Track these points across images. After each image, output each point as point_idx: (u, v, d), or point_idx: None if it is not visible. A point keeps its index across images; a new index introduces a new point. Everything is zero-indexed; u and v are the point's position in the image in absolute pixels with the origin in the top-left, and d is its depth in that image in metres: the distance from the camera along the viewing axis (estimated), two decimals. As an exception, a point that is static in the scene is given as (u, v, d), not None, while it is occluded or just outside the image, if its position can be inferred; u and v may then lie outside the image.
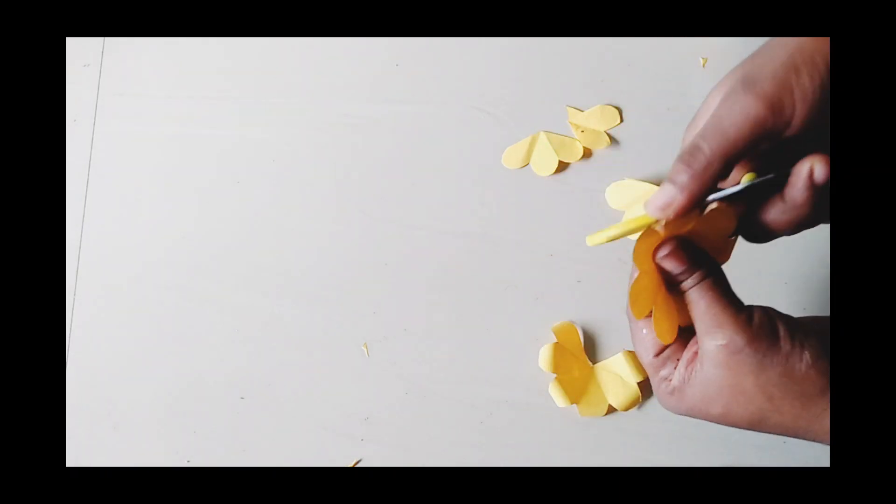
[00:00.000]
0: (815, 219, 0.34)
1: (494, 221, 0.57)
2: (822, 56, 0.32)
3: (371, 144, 0.58)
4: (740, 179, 0.35)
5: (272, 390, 0.56)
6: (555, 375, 0.53)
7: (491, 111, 0.58)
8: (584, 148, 0.57)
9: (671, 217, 0.33)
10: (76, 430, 0.56)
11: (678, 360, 0.35)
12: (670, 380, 0.35)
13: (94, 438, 0.56)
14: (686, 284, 0.35)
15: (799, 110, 0.32)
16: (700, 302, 0.34)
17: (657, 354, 0.36)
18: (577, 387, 0.53)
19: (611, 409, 0.53)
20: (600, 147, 0.57)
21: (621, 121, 0.57)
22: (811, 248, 0.54)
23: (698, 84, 0.57)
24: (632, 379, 0.53)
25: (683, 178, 0.32)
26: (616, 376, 0.53)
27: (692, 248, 0.35)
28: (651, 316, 0.36)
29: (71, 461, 0.55)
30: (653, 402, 0.54)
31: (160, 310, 0.57)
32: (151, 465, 0.55)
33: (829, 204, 0.33)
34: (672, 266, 0.34)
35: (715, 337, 0.33)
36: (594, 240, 0.35)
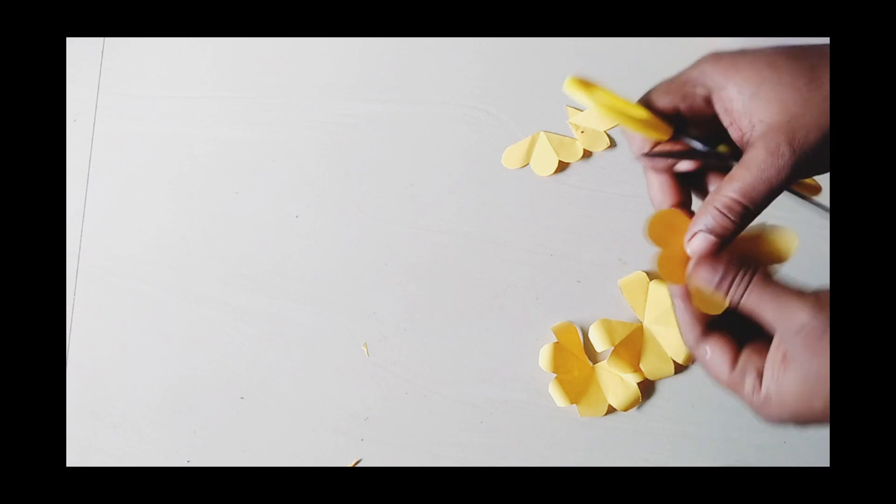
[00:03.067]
0: None
1: (494, 221, 0.57)
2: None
3: (371, 144, 0.58)
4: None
5: (272, 390, 0.56)
6: (555, 375, 0.53)
7: (491, 111, 0.58)
8: (584, 148, 0.57)
9: (705, 258, 0.34)
10: (76, 430, 0.56)
11: (756, 367, 0.34)
12: (759, 390, 0.33)
13: (94, 438, 0.56)
14: (736, 294, 0.34)
15: (821, 171, 0.34)
16: (763, 301, 0.33)
17: (732, 369, 0.34)
18: (577, 387, 0.53)
19: (611, 410, 0.53)
20: (600, 148, 0.57)
21: None
22: (811, 248, 0.54)
23: (698, 84, 0.57)
24: (632, 379, 0.53)
25: (725, 230, 0.33)
26: (616, 376, 0.53)
27: (718, 255, 0.34)
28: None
29: (71, 461, 0.55)
30: (653, 402, 0.54)
31: (160, 310, 0.57)
32: (151, 465, 0.55)
33: None
34: (706, 277, 0.34)
35: (795, 328, 0.32)
36: (577, 93, 0.34)
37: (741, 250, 0.35)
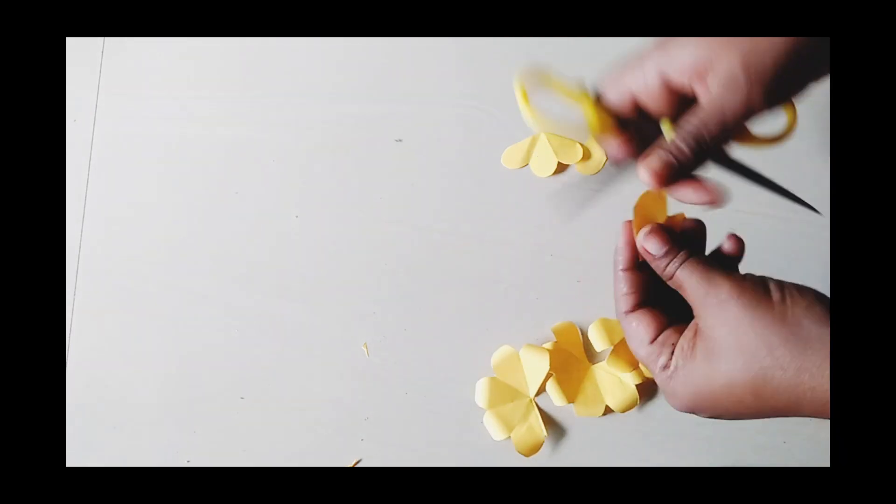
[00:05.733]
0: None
1: (494, 221, 0.57)
2: (816, 47, 0.33)
3: (370, 144, 0.58)
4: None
5: (272, 390, 0.56)
6: (553, 376, 0.53)
7: (491, 111, 0.58)
8: (584, 150, 0.57)
9: (658, 183, 0.34)
10: (76, 430, 0.56)
11: (673, 345, 0.35)
12: (669, 366, 0.35)
13: (94, 438, 0.56)
14: (672, 267, 0.35)
15: (792, 92, 0.34)
16: (691, 276, 0.34)
17: (651, 341, 0.36)
18: (574, 386, 0.53)
19: (609, 410, 0.53)
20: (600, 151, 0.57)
21: None
22: (811, 248, 0.54)
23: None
24: (631, 380, 0.53)
25: (682, 153, 0.34)
26: (615, 377, 0.53)
27: (671, 233, 0.36)
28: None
29: (71, 461, 0.55)
30: (652, 403, 0.54)
31: (160, 310, 0.57)
32: (151, 465, 0.55)
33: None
34: (655, 246, 0.35)
35: (711, 295, 0.33)
36: (524, 107, 0.38)
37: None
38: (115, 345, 0.57)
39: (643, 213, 0.36)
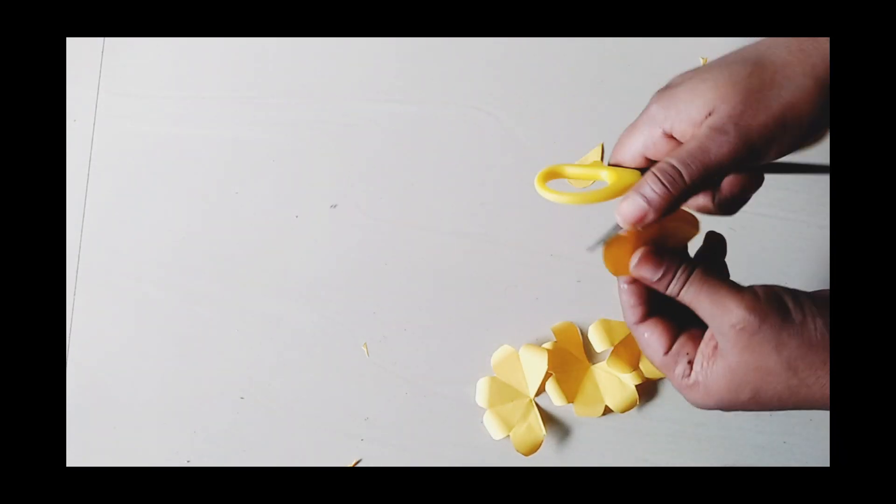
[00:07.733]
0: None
1: (494, 221, 0.57)
2: (809, 115, 0.34)
3: (371, 144, 0.58)
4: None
5: (272, 390, 0.56)
6: (552, 375, 0.53)
7: (491, 111, 0.58)
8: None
9: (637, 228, 0.34)
10: (76, 430, 0.56)
11: (688, 354, 0.35)
12: (688, 375, 0.35)
13: (94, 438, 0.56)
14: (674, 287, 0.35)
15: (773, 156, 0.34)
16: (700, 297, 0.34)
17: (666, 352, 0.36)
18: (574, 386, 0.53)
19: (608, 410, 0.53)
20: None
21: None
22: (811, 248, 0.54)
23: (698, 84, 0.57)
24: (630, 381, 0.53)
25: (658, 197, 0.34)
26: (614, 377, 0.53)
27: (663, 251, 0.35)
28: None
29: (71, 461, 0.55)
30: (652, 403, 0.54)
31: (160, 310, 0.57)
32: (151, 465, 0.55)
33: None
34: (649, 272, 0.35)
35: (729, 323, 0.33)
36: (545, 194, 0.37)
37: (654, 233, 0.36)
38: (115, 345, 0.57)
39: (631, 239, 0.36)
